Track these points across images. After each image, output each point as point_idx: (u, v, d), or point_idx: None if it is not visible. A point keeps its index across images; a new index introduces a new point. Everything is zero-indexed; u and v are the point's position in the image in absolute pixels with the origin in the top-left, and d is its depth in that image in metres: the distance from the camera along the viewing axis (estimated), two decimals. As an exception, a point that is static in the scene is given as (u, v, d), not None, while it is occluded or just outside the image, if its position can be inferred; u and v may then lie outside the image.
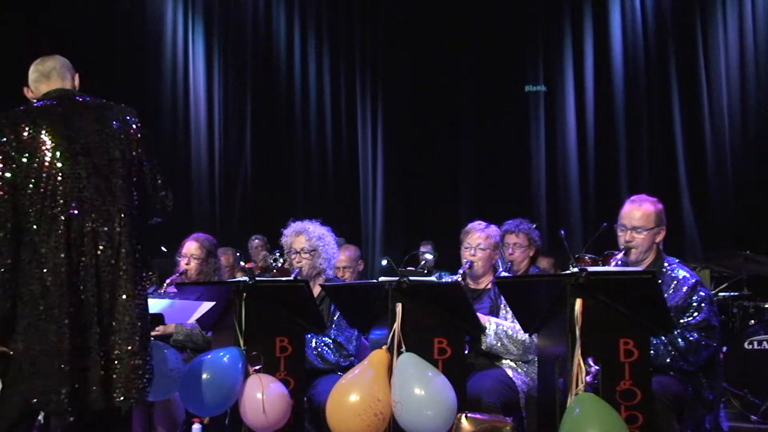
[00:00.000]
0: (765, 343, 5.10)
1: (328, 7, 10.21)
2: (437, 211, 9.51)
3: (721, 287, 6.04)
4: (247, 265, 6.81)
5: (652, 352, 3.32)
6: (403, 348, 3.25)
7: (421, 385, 3.10)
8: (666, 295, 3.41)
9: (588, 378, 2.79)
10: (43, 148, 2.69)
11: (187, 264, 4.46)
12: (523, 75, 9.53)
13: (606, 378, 2.87)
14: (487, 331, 3.65)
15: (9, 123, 2.72)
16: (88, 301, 2.65)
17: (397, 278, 3.34)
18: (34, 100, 2.89)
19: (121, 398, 2.68)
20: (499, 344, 3.68)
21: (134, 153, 2.84)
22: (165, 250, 5.38)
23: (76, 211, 2.67)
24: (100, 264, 2.67)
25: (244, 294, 3.45)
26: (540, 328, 3.36)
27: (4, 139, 2.68)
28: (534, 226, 5.09)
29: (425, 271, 6.64)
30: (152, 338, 2.92)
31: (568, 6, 9.37)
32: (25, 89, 2.98)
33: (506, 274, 4.11)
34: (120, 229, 2.72)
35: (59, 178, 2.68)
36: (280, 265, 4.10)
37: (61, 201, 2.67)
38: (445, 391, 3.14)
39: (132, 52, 8.90)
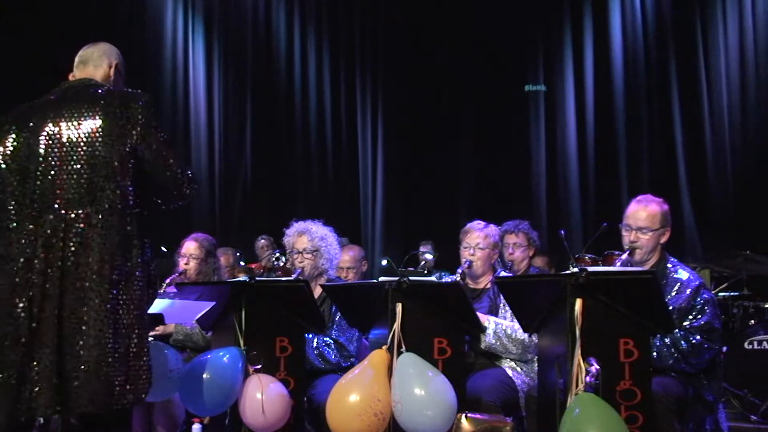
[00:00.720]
0: (765, 343, 5.10)
1: (328, 7, 10.21)
2: (437, 211, 9.50)
3: (721, 287, 6.04)
4: (252, 266, 6.83)
5: (655, 353, 3.32)
6: (403, 348, 3.25)
7: (421, 385, 3.10)
8: (669, 296, 3.42)
9: (588, 379, 2.79)
10: (21, 147, 2.68)
11: (186, 264, 4.46)
12: (523, 75, 9.53)
13: (606, 378, 2.87)
14: (486, 330, 3.65)
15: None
16: (48, 301, 2.54)
17: (397, 278, 3.34)
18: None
19: (88, 408, 2.53)
20: (498, 343, 3.68)
21: (136, 142, 2.67)
22: (165, 250, 5.39)
23: (49, 211, 2.61)
24: (66, 266, 2.56)
25: (245, 294, 3.45)
26: (540, 328, 3.36)
27: None
28: (529, 223, 5.13)
29: (425, 271, 6.65)
30: (150, 339, 2.86)
31: (568, 6, 9.37)
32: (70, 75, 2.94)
33: (506, 274, 4.11)
34: (97, 229, 2.59)
35: (37, 178, 2.64)
36: (281, 264, 4.10)
37: (37, 200, 2.63)
38: (445, 391, 3.13)
39: (132, 52, 8.89)
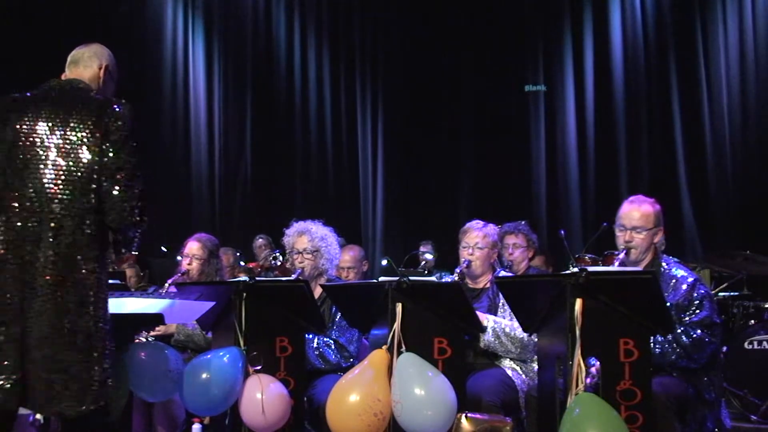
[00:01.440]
0: (765, 343, 5.10)
1: (328, 7, 10.22)
2: (437, 211, 9.51)
3: (721, 287, 6.03)
4: (249, 265, 6.83)
5: (657, 350, 3.34)
6: (403, 348, 3.25)
7: (421, 385, 3.10)
8: (665, 294, 3.42)
9: (588, 379, 2.79)
10: None
11: (189, 264, 4.45)
12: (523, 75, 9.54)
13: (606, 378, 2.88)
14: (486, 329, 3.65)
15: None
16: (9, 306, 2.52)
17: (397, 278, 3.34)
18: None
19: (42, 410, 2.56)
20: (496, 342, 3.68)
21: (105, 152, 2.60)
22: (165, 250, 5.39)
23: (10, 213, 2.57)
24: (26, 270, 2.53)
25: (244, 294, 3.44)
26: (540, 328, 3.36)
27: None
28: (528, 224, 5.14)
29: (425, 271, 6.66)
30: (151, 339, 2.83)
31: (568, 6, 9.37)
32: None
33: (505, 274, 4.11)
34: (53, 239, 2.53)
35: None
36: (279, 264, 4.10)
37: (4, 201, 2.59)
38: (445, 391, 3.14)
39: (132, 52, 8.89)
